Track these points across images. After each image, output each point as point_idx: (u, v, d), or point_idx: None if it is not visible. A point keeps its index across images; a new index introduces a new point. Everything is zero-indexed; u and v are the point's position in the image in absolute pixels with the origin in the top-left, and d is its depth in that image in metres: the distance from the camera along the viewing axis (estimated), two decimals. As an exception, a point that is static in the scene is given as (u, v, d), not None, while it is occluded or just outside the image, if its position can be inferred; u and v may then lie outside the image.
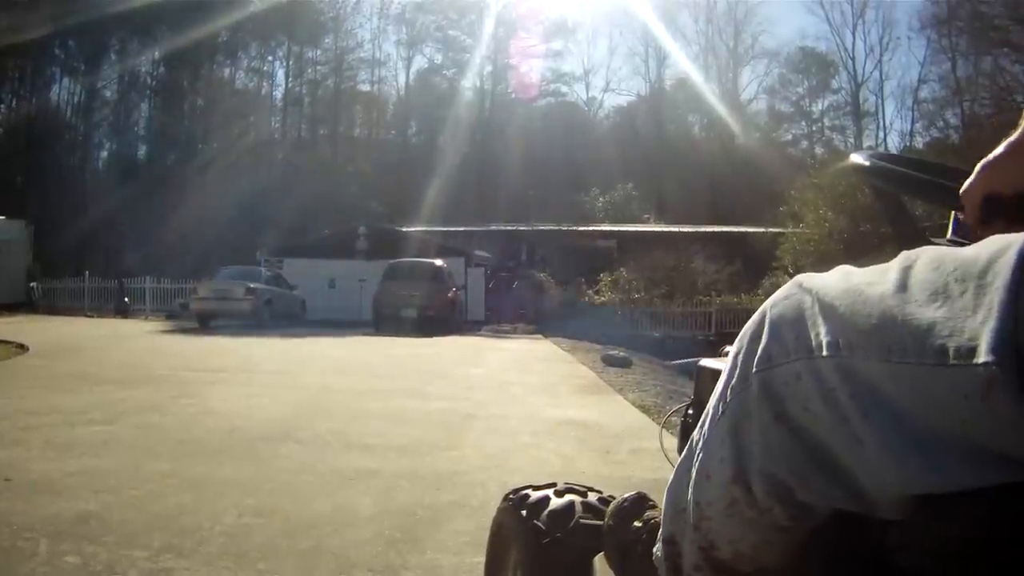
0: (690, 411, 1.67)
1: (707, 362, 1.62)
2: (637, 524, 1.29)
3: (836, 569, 0.90)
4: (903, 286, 0.71)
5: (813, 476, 0.77)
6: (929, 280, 0.70)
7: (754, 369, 0.83)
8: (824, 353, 0.75)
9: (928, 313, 0.67)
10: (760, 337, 0.84)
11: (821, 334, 0.76)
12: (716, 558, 0.93)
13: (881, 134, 50.22)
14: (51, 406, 6.36)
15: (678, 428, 1.81)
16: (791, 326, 0.80)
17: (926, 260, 0.73)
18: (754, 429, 0.83)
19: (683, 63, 53.92)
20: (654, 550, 1.08)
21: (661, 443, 2.03)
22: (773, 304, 0.85)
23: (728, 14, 54.24)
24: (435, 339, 17.23)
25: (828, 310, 0.77)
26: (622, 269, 26.85)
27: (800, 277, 0.85)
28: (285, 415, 6.40)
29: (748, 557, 0.90)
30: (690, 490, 0.94)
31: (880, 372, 0.69)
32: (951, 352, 0.64)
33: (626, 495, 1.38)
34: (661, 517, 1.07)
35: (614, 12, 55.67)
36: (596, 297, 26.11)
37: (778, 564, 0.91)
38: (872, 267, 0.79)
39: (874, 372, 0.70)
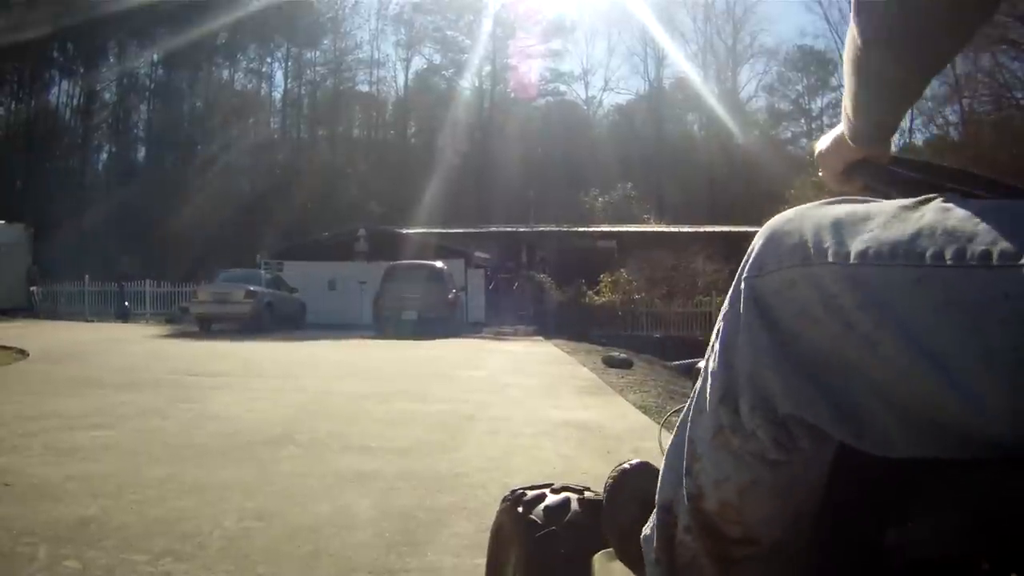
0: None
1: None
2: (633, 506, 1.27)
3: (830, 559, 0.88)
4: (944, 209, 0.73)
5: (800, 385, 0.76)
6: (973, 207, 0.72)
7: (745, 275, 0.84)
8: (828, 260, 0.75)
9: (971, 226, 0.68)
10: (754, 248, 0.85)
11: (827, 241, 0.76)
12: (703, 511, 0.90)
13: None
14: (51, 411, 6.37)
15: (676, 428, 1.80)
16: (789, 235, 0.81)
17: (968, 201, 0.75)
18: (742, 339, 0.82)
19: (681, 63, 54.04)
20: (644, 528, 1.06)
21: (660, 443, 2.00)
22: (776, 219, 0.86)
23: (727, 13, 54.43)
24: (436, 341, 17.23)
25: (848, 219, 0.77)
26: (622, 270, 26.78)
27: (810, 204, 0.86)
28: (285, 418, 6.40)
29: (734, 508, 0.87)
30: (685, 432, 0.95)
31: (901, 281, 0.69)
32: (995, 254, 0.65)
33: (624, 463, 1.36)
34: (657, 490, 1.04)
35: (612, 11, 55.81)
36: (596, 298, 26.06)
37: (765, 527, 0.88)
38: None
39: (893, 281, 0.70)
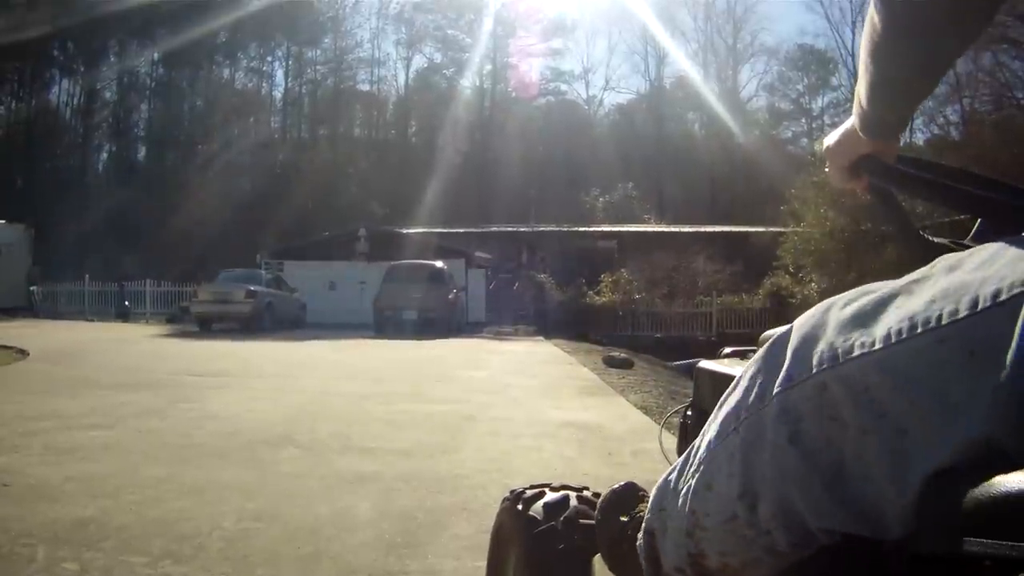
0: (689, 412, 1.67)
1: (706, 364, 1.62)
2: (624, 518, 1.30)
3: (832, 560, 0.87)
4: (952, 267, 0.74)
5: (823, 500, 0.77)
6: (978, 257, 0.73)
7: (775, 390, 0.83)
8: (855, 354, 0.75)
9: (980, 274, 0.69)
10: (781, 355, 0.85)
11: (852, 337, 0.76)
12: (702, 565, 0.93)
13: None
14: (51, 411, 6.36)
15: (677, 429, 1.81)
16: (816, 342, 0.80)
17: (972, 250, 0.76)
18: (767, 451, 0.83)
19: (682, 62, 53.99)
20: (639, 535, 1.09)
21: (661, 444, 1.98)
22: (800, 323, 0.85)
23: (727, 12, 54.44)
24: (436, 341, 17.22)
25: (869, 308, 0.77)
26: (623, 270, 26.78)
27: (829, 300, 0.86)
28: (285, 419, 6.38)
29: (734, 570, 0.90)
30: (686, 497, 0.95)
31: (925, 347, 0.69)
32: (1004, 289, 0.66)
33: (615, 486, 1.38)
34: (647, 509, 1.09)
35: (613, 10, 55.72)
36: (597, 298, 26.06)
37: None
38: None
39: (919, 351, 0.70)
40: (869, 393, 0.73)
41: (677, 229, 33.91)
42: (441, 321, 20.45)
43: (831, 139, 1.15)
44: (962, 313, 0.68)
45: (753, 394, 0.87)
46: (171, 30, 42.46)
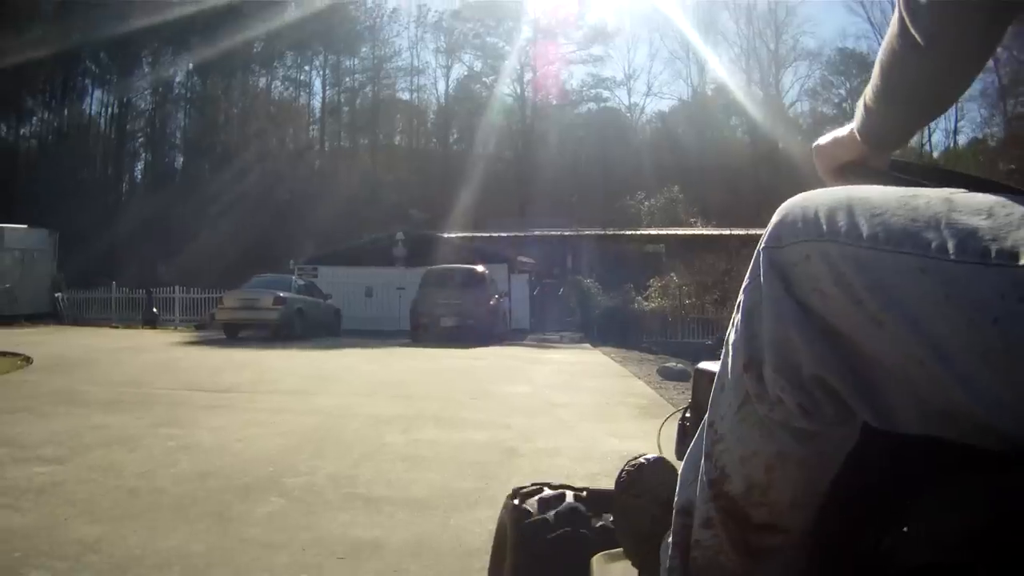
0: (687, 413, 1.54)
1: (704, 365, 1.45)
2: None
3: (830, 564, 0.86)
4: (949, 201, 0.73)
5: (822, 346, 0.77)
6: (975, 200, 0.72)
7: (761, 246, 0.84)
8: (840, 238, 0.76)
9: (973, 221, 0.69)
10: (773, 224, 0.85)
11: (840, 221, 0.77)
12: (727, 495, 0.87)
13: (926, 133, 48.31)
14: (8, 436, 5.35)
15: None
16: (806, 211, 0.82)
17: (971, 194, 0.74)
18: (765, 306, 0.82)
19: (723, 68, 52.56)
20: (666, 536, 1.04)
21: (659, 443, 1.66)
22: (794, 197, 0.86)
23: (769, 15, 52.82)
24: (476, 350, 15.98)
25: (859, 203, 0.78)
26: (672, 274, 25.49)
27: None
28: (281, 451, 5.18)
29: (760, 488, 0.84)
30: (706, 417, 0.93)
31: (907, 268, 0.70)
32: (993, 252, 0.66)
33: (640, 458, 1.35)
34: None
35: (655, 16, 54.31)
36: (646, 303, 24.75)
37: (790, 511, 0.85)
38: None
39: (899, 268, 0.70)
40: (846, 278, 0.74)
41: (728, 232, 32.44)
42: (482, 328, 19.14)
43: (823, 139, 1.16)
44: (950, 253, 0.68)
45: (752, 266, 0.87)
46: (206, 39, 41.73)
